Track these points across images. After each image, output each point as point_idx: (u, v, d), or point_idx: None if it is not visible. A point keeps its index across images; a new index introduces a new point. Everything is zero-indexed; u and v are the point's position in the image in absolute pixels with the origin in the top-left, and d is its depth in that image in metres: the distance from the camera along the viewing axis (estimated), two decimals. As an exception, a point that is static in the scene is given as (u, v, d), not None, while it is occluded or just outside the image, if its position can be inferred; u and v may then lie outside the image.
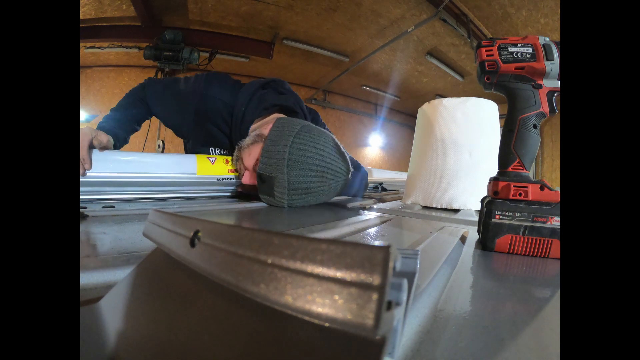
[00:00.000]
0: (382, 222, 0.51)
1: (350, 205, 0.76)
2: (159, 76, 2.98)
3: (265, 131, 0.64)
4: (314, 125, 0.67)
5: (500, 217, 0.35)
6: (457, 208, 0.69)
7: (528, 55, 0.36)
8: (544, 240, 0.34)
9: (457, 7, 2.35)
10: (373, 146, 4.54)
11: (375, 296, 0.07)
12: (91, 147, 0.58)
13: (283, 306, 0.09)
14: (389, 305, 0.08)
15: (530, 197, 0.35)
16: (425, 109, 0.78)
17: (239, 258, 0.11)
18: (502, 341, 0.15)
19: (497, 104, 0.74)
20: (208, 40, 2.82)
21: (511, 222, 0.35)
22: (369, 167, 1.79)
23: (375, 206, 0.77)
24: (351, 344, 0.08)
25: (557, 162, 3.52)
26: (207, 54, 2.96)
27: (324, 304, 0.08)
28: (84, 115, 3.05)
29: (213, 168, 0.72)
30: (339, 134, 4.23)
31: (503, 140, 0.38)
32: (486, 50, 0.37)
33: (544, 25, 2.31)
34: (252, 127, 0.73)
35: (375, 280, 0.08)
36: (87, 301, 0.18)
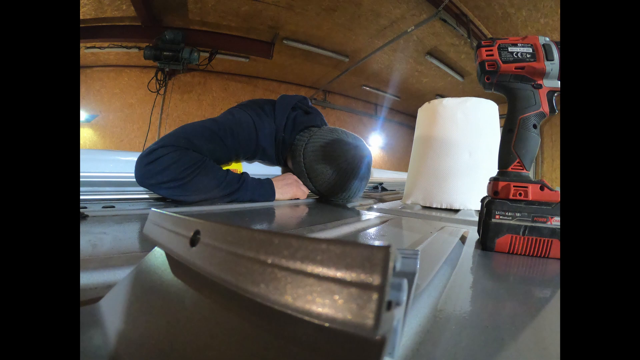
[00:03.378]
0: (382, 222, 0.51)
1: (350, 205, 0.76)
2: (159, 76, 2.99)
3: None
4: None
5: (500, 217, 0.35)
6: (457, 208, 0.69)
7: (528, 55, 0.36)
8: (544, 240, 0.34)
9: (457, 7, 2.35)
10: (373, 146, 4.53)
11: (375, 296, 0.07)
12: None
13: (283, 306, 0.09)
14: (389, 305, 0.08)
15: (530, 197, 0.35)
16: (425, 109, 0.78)
17: (239, 258, 0.11)
18: (502, 341, 0.15)
19: (497, 104, 0.74)
20: (208, 40, 2.82)
21: (511, 222, 0.35)
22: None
23: (375, 206, 0.77)
24: (351, 344, 0.08)
25: (557, 162, 3.52)
26: (207, 54, 2.96)
27: (324, 304, 0.08)
28: (84, 115, 3.04)
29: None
30: (339, 134, 4.22)
31: (503, 140, 0.38)
32: (486, 50, 0.37)
33: (544, 25, 2.31)
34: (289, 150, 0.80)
35: (375, 280, 0.08)
36: (87, 301, 0.18)
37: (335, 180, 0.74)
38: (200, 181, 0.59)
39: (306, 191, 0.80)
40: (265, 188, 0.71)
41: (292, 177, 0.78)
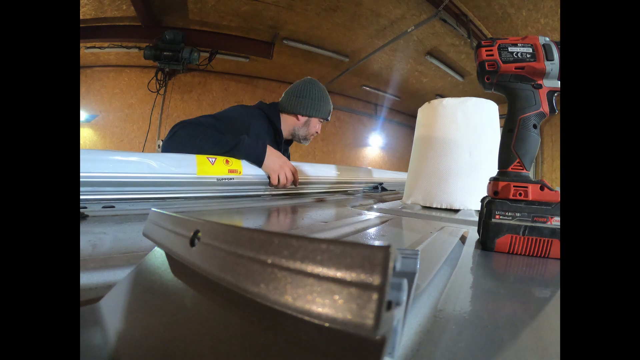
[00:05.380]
0: (382, 222, 0.51)
1: (350, 205, 0.76)
2: (159, 76, 2.98)
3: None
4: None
5: (500, 217, 0.35)
6: (457, 208, 0.69)
7: (528, 55, 0.36)
8: (544, 240, 0.34)
9: (457, 7, 2.35)
10: (373, 146, 4.53)
11: (375, 296, 0.07)
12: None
13: (283, 306, 0.09)
14: (389, 305, 0.08)
15: (530, 197, 0.35)
16: (425, 109, 0.78)
17: (239, 258, 0.11)
18: (502, 341, 0.15)
19: (497, 104, 0.74)
20: (208, 40, 2.82)
21: (511, 222, 0.35)
22: (369, 167, 1.79)
23: (375, 206, 0.77)
24: (351, 344, 0.08)
25: (557, 162, 3.52)
26: (207, 54, 2.96)
27: (324, 304, 0.08)
28: (84, 115, 3.04)
29: (213, 168, 0.72)
30: (339, 134, 4.23)
31: (503, 140, 0.38)
32: (486, 50, 0.37)
33: (544, 25, 2.31)
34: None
35: (375, 280, 0.08)
36: (87, 301, 0.18)
37: (302, 88, 1.09)
38: (203, 132, 0.79)
39: (289, 177, 0.86)
40: (258, 147, 0.82)
41: (284, 158, 0.87)
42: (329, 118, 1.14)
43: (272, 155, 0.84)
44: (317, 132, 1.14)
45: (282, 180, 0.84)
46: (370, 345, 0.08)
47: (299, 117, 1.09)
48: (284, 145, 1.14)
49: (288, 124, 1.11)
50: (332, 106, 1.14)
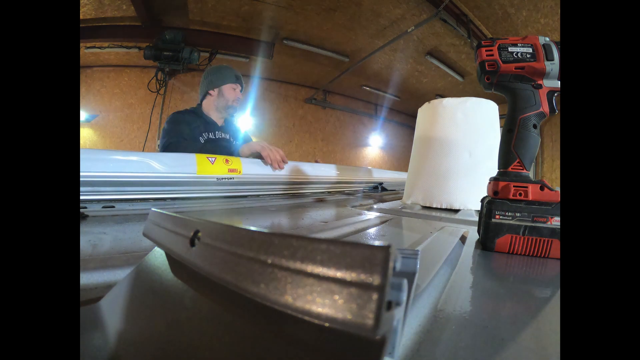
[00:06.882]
0: (382, 222, 0.51)
1: (350, 205, 0.76)
2: (159, 76, 2.98)
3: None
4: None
5: (500, 217, 0.35)
6: (457, 208, 0.69)
7: (528, 55, 0.36)
8: (544, 240, 0.34)
9: (457, 7, 2.34)
10: (373, 146, 4.53)
11: (375, 296, 0.07)
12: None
13: (283, 306, 0.09)
14: (389, 305, 0.08)
15: (530, 197, 0.35)
16: (425, 109, 0.78)
17: (239, 258, 0.11)
18: (502, 341, 0.16)
19: (497, 104, 0.74)
20: (208, 40, 2.81)
21: (511, 222, 0.35)
22: (369, 167, 1.79)
23: (375, 206, 0.77)
24: (351, 344, 0.08)
25: (557, 162, 3.52)
26: (207, 54, 2.95)
27: (324, 304, 0.08)
28: (84, 115, 3.04)
29: (213, 168, 0.72)
30: (339, 133, 4.23)
31: (503, 140, 0.38)
32: (486, 50, 0.37)
33: (544, 25, 2.31)
34: None
35: (375, 280, 0.08)
36: (87, 301, 0.18)
37: (204, 75, 1.22)
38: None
39: (277, 156, 0.89)
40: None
41: (261, 144, 0.93)
42: (241, 82, 1.23)
43: (249, 143, 0.96)
44: (238, 97, 1.22)
45: (272, 156, 0.89)
46: (370, 345, 0.08)
47: (211, 93, 1.20)
48: (224, 128, 1.22)
49: (208, 105, 1.21)
50: (235, 71, 1.23)
